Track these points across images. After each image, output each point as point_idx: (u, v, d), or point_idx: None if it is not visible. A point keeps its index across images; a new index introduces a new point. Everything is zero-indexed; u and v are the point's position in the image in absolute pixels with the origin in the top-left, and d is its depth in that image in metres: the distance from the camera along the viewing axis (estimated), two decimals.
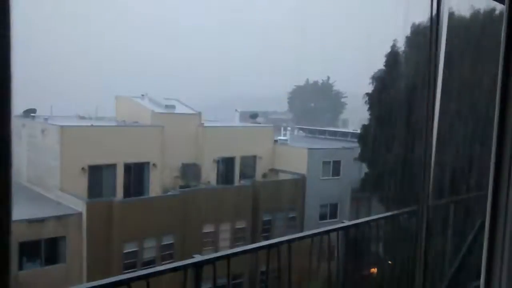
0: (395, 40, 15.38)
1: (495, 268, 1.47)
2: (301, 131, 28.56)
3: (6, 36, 0.81)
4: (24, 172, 20.30)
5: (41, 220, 15.70)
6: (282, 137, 25.68)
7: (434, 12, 2.84)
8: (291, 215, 20.65)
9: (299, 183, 21.59)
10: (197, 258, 3.43)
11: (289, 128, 28.63)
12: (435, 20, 2.96)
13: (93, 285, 2.97)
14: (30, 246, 15.34)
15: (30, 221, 15.41)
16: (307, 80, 35.17)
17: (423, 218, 4.11)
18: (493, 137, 1.40)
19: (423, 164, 3.64)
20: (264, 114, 28.78)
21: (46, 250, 15.81)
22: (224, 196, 19.43)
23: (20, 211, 16.80)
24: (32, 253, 15.52)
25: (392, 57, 15.91)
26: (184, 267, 3.61)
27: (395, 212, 4.99)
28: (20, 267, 15.01)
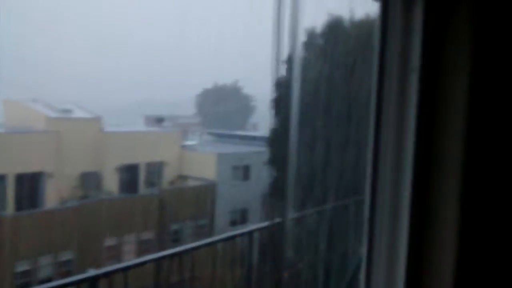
0: (291, 45, 16.09)
1: None
2: (209, 136, 28.66)
3: None
4: None
5: None
6: (190, 142, 25.60)
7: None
8: (200, 223, 20.64)
9: (209, 189, 21.65)
10: (92, 272, 3.38)
11: (197, 133, 28.61)
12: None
13: None
14: None
15: None
16: (215, 83, 35.39)
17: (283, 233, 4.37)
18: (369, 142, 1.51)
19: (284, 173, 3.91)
20: (171, 118, 28.50)
21: None
22: (127, 206, 18.99)
23: None
24: None
25: (289, 61, 16.66)
26: (79, 281, 3.54)
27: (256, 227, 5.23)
28: None
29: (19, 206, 18.15)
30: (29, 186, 18.76)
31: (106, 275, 3.68)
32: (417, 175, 1.40)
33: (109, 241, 18.01)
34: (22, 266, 15.72)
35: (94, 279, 3.48)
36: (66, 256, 16.65)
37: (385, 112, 1.45)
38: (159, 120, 27.56)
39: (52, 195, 19.08)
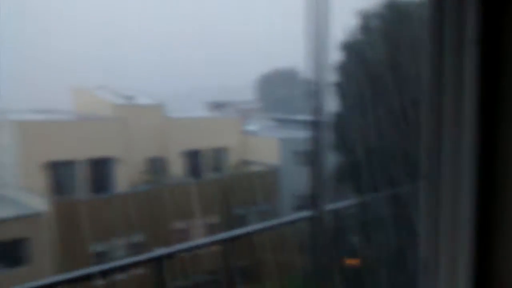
0: (346, 28, 15.93)
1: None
2: (270, 121, 28.89)
3: None
4: None
5: (1, 221, 15.58)
6: (251, 127, 25.91)
7: None
8: (264, 208, 21.00)
9: (271, 174, 21.95)
10: (159, 251, 3.67)
11: (258, 118, 28.89)
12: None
13: (58, 279, 3.22)
14: None
15: None
16: (275, 67, 35.49)
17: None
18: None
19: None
20: (231, 103, 28.94)
21: (8, 253, 15.70)
22: (193, 190, 19.57)
23: None
24: None
25: (349, 45, 16.49)
26: (147, 260, 3.85)
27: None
28: None
29: (91, 190, 19.17)
30: (100, 171, 19.73)
31: (171, 255, 3.89)
32: (479, 162, 1.32)
33: (177, 225, 18.72)
34: (97, 247, 16.70)
35: (160, 259, 3.72)
36: (137, 238, 17.49)
37: (443, 91, 1.39)
38: (220, 106, 28.03)
39: (121, 180, 19.99)
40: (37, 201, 16.60)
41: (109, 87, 23.90)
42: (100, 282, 3.41)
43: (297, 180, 22.97)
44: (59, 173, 18.52)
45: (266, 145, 23.47)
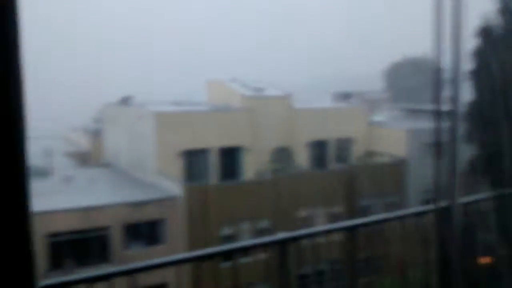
0: (485, 14, 14.64)
1: None
2: (399, 111, 27.83)
3: (15, 36, 0.79)
4: (124, 157, 21.88)
5: (142, 204, 16.95)
6: (378, 118, 25.18)
7: None
8: (390, 200, 20.33)
9: (399, 166, 21.18)
10: (283, 235, 3.67)
11: (386, 108, 27.98)
12: None
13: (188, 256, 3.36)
14: (133, 228, 16.70)
15: (132, 205, 16.73)
16: (404, 56, 34.05)
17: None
18: None
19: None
20: (358, 93, 28.35)
21: (148, 232, 17.08)
22: (317, 180, 19.58)
23: (122, 195, 18.26)
24: (135, 235, 16.86)
25: (486, 32, 15.17)
26: (270, 243, 3.87)
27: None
28: (125, 247, 16.41)
29: (221, 177, 20.06)
30: (230, 159, 20.54)
31: (295, 239, 3.88)
32: None
33: (301, 213, 18.88)
34: (225, 231, 17.46)
35: (283, 242, 3.71)
36: (263, 224, 17.97)
37: None
38: (346, 96, 27.58)
39: (249, 168, 20.63)
40: (173, 186, 17.78)
41: (241, 79, 24.73)
42: (227, 263, 3.53)
43: (426, 173, 21.87)
44: (192, 160, 19.63)
45: (393, 136, 22.67)
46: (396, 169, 21.10)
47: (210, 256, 3.44)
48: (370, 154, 22.88)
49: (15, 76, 0.78)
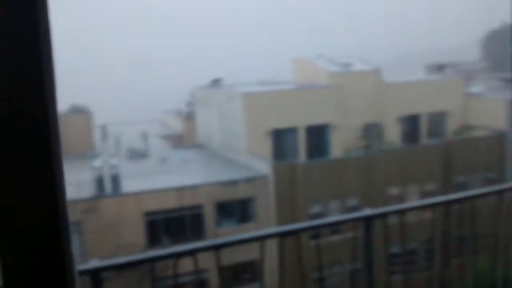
0: None
1: None
2: (497, 81, 25.93)
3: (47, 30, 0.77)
4: (215, 138, 22.49)
5: (233, 182, 17.35)
6: (475, 89, 23.68)
7: None
8: (489, 177, 19.11)
9: (498, 139, 19.82)
10: (368, 211, 3.54)
11: (483, 79, 26.21)
12: None
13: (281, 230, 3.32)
14: (225, 206, 17.18)
15: (224, 183, 17.18)
16: (503, 22, 31.50)
17: None
18: None
19: None
20: (453, 65, 26.76)
21: (239, 210, 17.49)
22: (409, 156, 18.88)
23: (214, 174, 18.82)
24: (227, 213, 17.35)
25: None
26: (355, 219, 3.76)
27: None
28: (218, 225, 16.95)
29: (309, 155, 19.97)
30: (317, 137, 20.38)
31: (382, 215, 3.74)
32: None
33: (392, 191, 18.33)
34: (314, 208, 17.41)
35: (369, 219, 3.59)
36: (352, 202, 17.69)
37: None
38: (440, 68, 26.16)
39: (337, 145, 20.35)
40: (262, 165, 17.99)
41: (326, 56, 24.33)
42: (317, 240, 3.50)
43: None
44: (280, 139, 19.71)
45: (491, 108, 21.22)
46: (495, 143, 19.76)
47: (295, 232, 3.41)
48: (466, 127, 21.61)
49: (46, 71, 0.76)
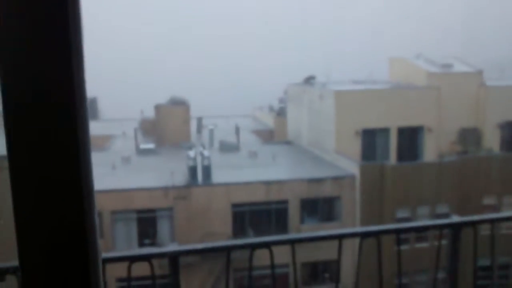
0: None
1: None
2: None
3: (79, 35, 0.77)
4: (305, 135, 22.43)
5: (319, 180, 17.19)
6: None
7: None
8: None
9: None
10: (457, 218, 3.34)
11: None
12: None
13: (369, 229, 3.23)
14: (309, 203, 17.07)
15: (310, 181, 17.07)
16: None
17: None
18: None
19: None
20: None
21: (323, 208, 17.30)
22: (509, 165, 17.56)
23: (301, 171, 18.78)
24: (311, 210, 17.23)
25: None
26: (442, 226, 3.55)
27: None
28: (301, 221, 16.90)
29: (399, 157, 19.26)
30: (409, 139, 19.60)
31: (471, 224, 3.51)
32: None
33: (488, 200, 17.15)
34: (401, 213, 16.75)
35: (458, 226, 3.41)
36: (442, 209, 16.77)
37: None
38: None
39: (431, 149, 19.46)
40: (350, 165, 17.63)
41: (426, 55, 23.39)
42: (402, 246, 3.39)
43: None
44: (370, 139, 19.19)
45: None
46: None
47: (377, 233, 3.30)
48: None
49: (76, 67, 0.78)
